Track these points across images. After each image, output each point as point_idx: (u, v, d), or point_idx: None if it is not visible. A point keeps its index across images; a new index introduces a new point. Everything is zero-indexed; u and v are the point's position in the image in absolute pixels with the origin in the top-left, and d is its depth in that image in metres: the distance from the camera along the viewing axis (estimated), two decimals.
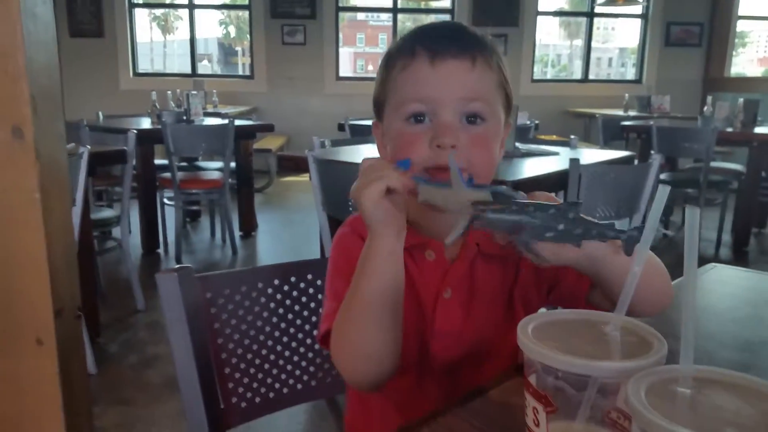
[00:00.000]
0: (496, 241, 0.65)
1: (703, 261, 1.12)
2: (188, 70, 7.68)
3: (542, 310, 0.81)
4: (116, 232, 3.31)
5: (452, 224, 0.64)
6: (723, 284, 1.13)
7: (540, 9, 7.65)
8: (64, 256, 1.60)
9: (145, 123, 4.38)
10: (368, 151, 3.00)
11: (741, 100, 4.76)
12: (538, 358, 0.47)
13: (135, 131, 3.21)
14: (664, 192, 0.47)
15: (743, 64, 8.87)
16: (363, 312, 0.74)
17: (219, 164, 4.44)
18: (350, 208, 2.41)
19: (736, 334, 0.91)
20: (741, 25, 8.11)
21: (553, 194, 0.77)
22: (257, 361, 1.00)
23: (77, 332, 1.66)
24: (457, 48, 0.80)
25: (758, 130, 4.54)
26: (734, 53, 8.08)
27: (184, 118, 4.44)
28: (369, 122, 4.54)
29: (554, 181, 2.46)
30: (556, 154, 2.94)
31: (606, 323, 0.51)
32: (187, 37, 7.68)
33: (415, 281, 0.86)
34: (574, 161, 2.40)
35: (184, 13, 7.82)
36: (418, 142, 0.79)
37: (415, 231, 0.86)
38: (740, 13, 7.82)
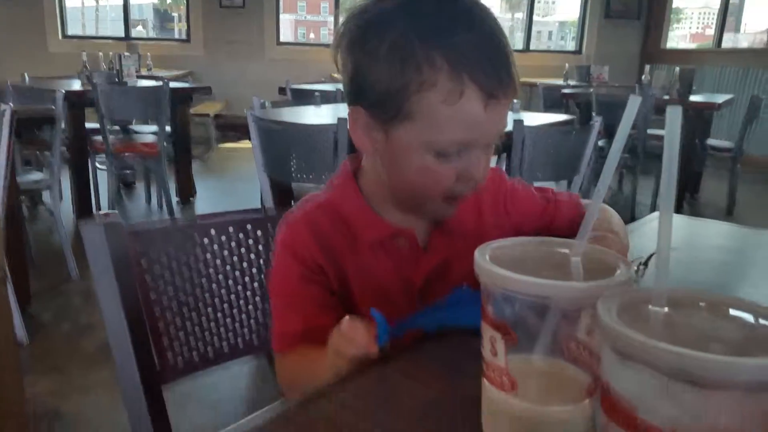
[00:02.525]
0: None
1: None
2: (122, 34, 7.32)
3: None
4: (47, 197, 3.13)
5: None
6: None
7: None
8: None
9: (76, 85, 4.16)
10: (309, 113, 2.91)
11: (677, 69, 4.88)
12: (496, 281, 0.44)
13: (63, 92, 3.03)
14: (634, 102, 0.44)
15: (678, 39, 9.12)
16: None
17: (154, 128, 4.26)
18: (292, 170, 2.34)
19: (682, 278, 0.91)
20: (676, 1, 8.31)
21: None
22: (194, 316, 0.94)
23: (2, 296, 1.56)
24: (507, 84, 0.71)
25: (693, 98, 4.68)
26: (670, 28, 8.29)
27: (117, 80, 4.24)
28: (311, 86, 4.46)
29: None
30: None
31: (568, 248, 0.48)
32: (121, 1, 7.30)
33: (386, 274, 0.82)
34: (518, 122, 2.40)
35: None
36: (447, 178, 0.75)
37: (386, 222, 0.82)
38: None
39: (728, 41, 8.50)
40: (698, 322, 0.37)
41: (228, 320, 0.98)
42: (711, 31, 8.50)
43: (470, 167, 0.74)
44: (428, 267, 0.82)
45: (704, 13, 9.35)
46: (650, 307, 0.37)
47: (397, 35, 0.70)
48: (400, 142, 0.74)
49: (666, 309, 0.37)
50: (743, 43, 9.23)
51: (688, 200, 4.96)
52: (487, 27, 0.72)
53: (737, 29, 9.24)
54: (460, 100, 0.69)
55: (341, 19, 0.78)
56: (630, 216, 4.40)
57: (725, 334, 0.35)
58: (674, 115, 0.37)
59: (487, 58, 0.70)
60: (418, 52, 0.69)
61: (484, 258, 0.46)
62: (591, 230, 0.51)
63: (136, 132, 4.45)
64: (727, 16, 8.36)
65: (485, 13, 0.72)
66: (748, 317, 0.37)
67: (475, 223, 0.86)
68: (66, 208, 3.83)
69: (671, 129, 0.37)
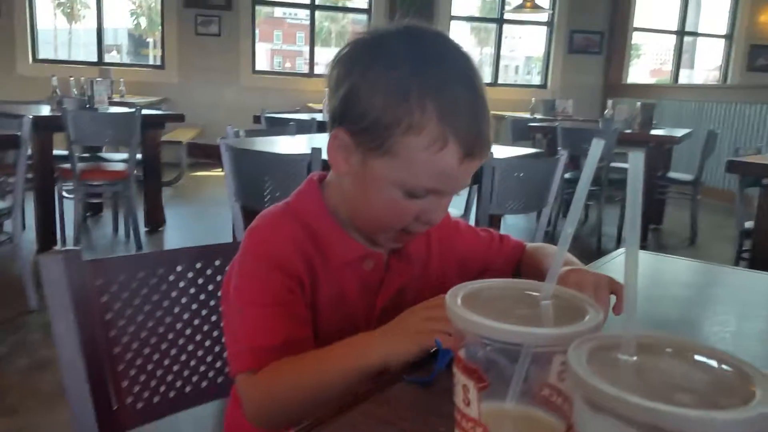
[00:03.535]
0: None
1: (604, 254, 1.15)
2: (95, 59, 7.26)
3: None
4: (8, 225, 3.05)
5: None
6: None
7: (453, 14, 7.81)
8: None
9: (45, 110, 4.10)
10: (284, 143, 2.91)
11: (639, 103, 5.03)
12: (467, 327, 0.43)
13: (31, 117, 2.97)
14: (598, 146, 0.44)
15: (638, 74, 9.47)
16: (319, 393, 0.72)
17: (124, 155, 4.20)
18: (265, 200, 2.32)
19: (651, 313, 0.92)
20: (636, 37, 8.71)
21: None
22: (156, 357, 0.91)
23: None
24: (483, 146, 0.76)
25: (654, 131, 4.84)
26: (630, 63, 8.62)
27: (88, 105, 4.18)
28: (286, 115, 4.45)
29: None
30: None
31: (537, 291, 0.48)
32: (95, 26, 7.24)
33: (352, 293, 0.83)
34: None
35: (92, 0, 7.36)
36: (408, 215, 0.78)
37: (356, 243, 0.83)
38: (635, 24, 8.39)
39: (684, 77, 8.88)
40: (666, 369, 0.37)
41: (193, 362, 0.95)
42: (668, 67, 8.90)
43: (431, 211, 0.78)
44: (391, 290, 0.85)
45: (662, 49, 9.75)
46: (620, 355, 0.37)
47: (401, 73, 0.73)
48: (375, 172, 0.76)
49: (635, 357, 0.37)
50: (698, 79, 9.65)
51: (652, 230, 5.06)
52: (478, 89, 0.76)
53: (692, 66, 9.67)
54: (441, 151, 0.72)
55: (346, 40, 0.81)
56: (597, 246, 4.47)
57: (692, 383, 0.36)
58: (637, 161, 0.38)
59: (473, 118, 0.74)
60: (414, 96, 0.72)
61: (455, 302, 0.45)
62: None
63: (106, 160, 4.38)
64: (683, 53, 8.73)
65: (477, 75, 0.77)
66: (712, 363, 0.37)
67: (426, 251, 0.90)
68: (28, 237, 3.74)
69: (634, 175, 0.37)
